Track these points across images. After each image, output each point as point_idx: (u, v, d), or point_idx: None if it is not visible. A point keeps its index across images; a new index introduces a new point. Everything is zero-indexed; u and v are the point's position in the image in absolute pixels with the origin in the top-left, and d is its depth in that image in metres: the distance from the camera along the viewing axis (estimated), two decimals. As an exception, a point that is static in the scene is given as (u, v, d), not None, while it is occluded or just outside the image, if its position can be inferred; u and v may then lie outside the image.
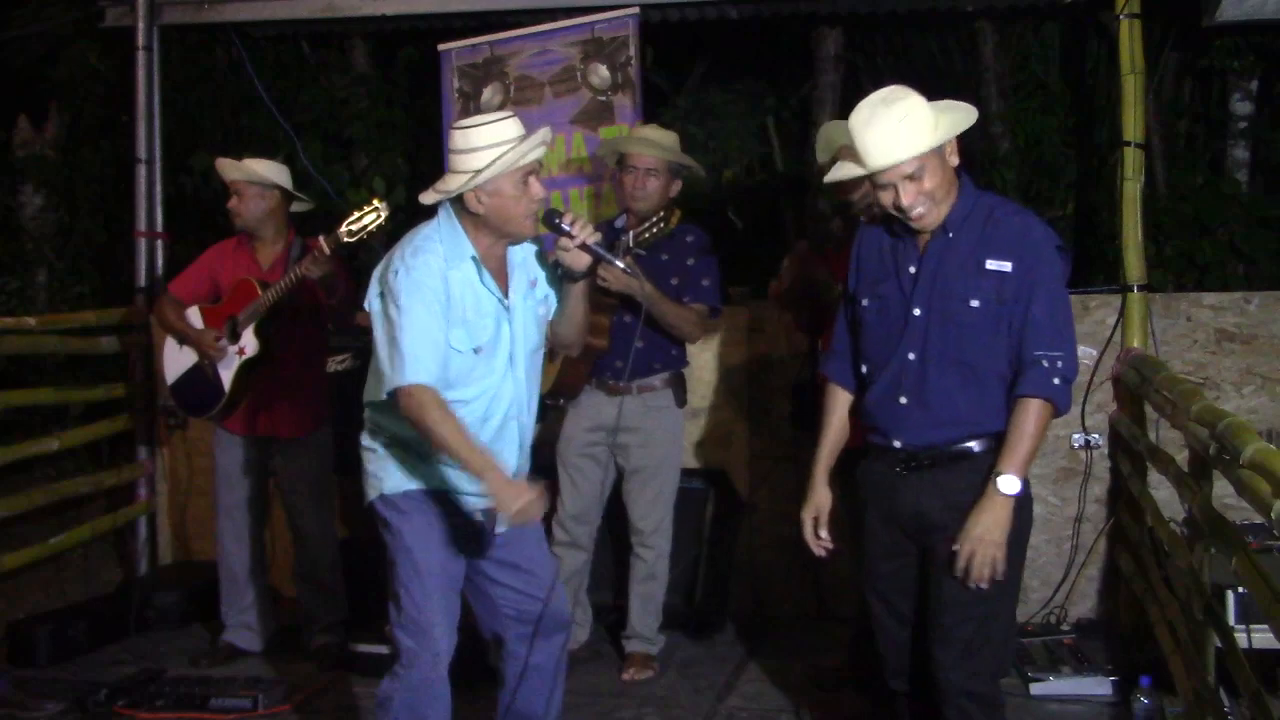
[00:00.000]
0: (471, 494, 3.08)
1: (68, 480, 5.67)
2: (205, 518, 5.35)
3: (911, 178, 2.88)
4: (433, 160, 5.59)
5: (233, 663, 4.68)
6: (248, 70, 6.44)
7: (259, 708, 4.17)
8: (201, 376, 4.60)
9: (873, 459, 3.07)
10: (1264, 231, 6.12)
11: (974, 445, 2.93)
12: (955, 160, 2.97)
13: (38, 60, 7.21)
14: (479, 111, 5.37)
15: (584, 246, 3.02)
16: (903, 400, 2.95)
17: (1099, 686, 4.19)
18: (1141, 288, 4.90)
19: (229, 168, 4.60)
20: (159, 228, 5.93)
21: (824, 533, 3.11)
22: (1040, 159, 6.48)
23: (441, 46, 5.48)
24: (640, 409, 4.38)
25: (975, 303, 2.89)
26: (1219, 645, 3.19)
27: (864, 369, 3.09)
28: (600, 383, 4.40)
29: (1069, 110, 6.52)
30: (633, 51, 5.18)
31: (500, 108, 5.32)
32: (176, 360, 4.69)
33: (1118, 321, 4.93)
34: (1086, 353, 5.01)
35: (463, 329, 2.99)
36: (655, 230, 4.22)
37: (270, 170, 4.63)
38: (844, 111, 4.85)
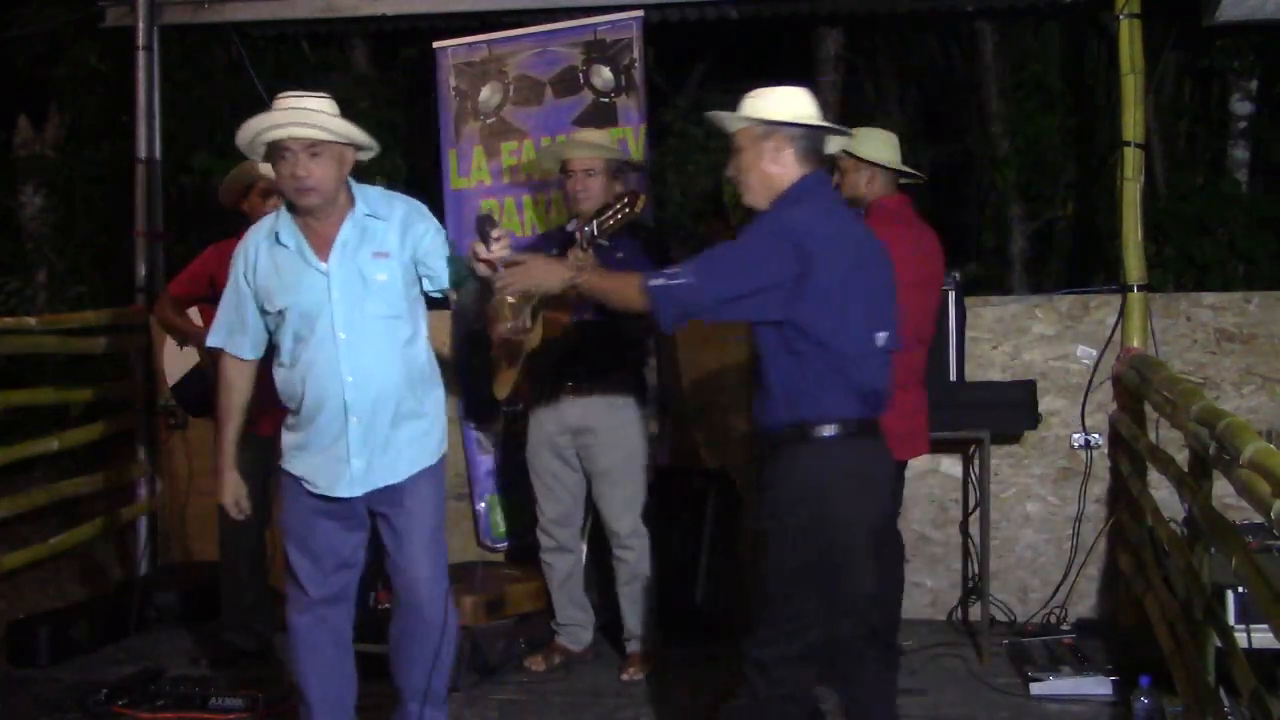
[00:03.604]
0: (306, 481, 3.37)
1: (68, 480, 5.67)
2: (205, 518, 5.34)
3: (740, 149, 3.14)
4: (433, 160, 5.59)
5: (233, 663, 4.68)
6: (248, 70, 6.44)
7: (259, 708, 4.17)
8: (204, 376, 4.59)
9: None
10: (1264, 231, 6.13)
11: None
12: (779, 166, 3.09)
13: (38, 60, 7.21)
14: (478, 111, 5.37)
15: (489, 264, 3.11)
16: None
17: (1099, 686, 4.19)
18: (1141, 288, 4.91)
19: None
20: (159, 228, 5.93)
21: None
22: (1040, 159, 6.49)
23: (437, 44, 5.47)
24: (603, 408, 4.37)
25: None
26: (1219, 645, 3.19)
27: None
28: (561, 385, 4.39)
29: (1069, 110, 6.53)
30: (636, 54, 5.18)
31: (499, 108, 5.33)
32: (178, 360, 4.69)
33: (1118, 321, 4.94)
34: (1086, 353, 5.03)
35: (270, 293, 3.31)
36: (620, 216, 4.15)
37: None
38: (844, 111, 4.93)
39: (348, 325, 3.28)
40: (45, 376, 6.56)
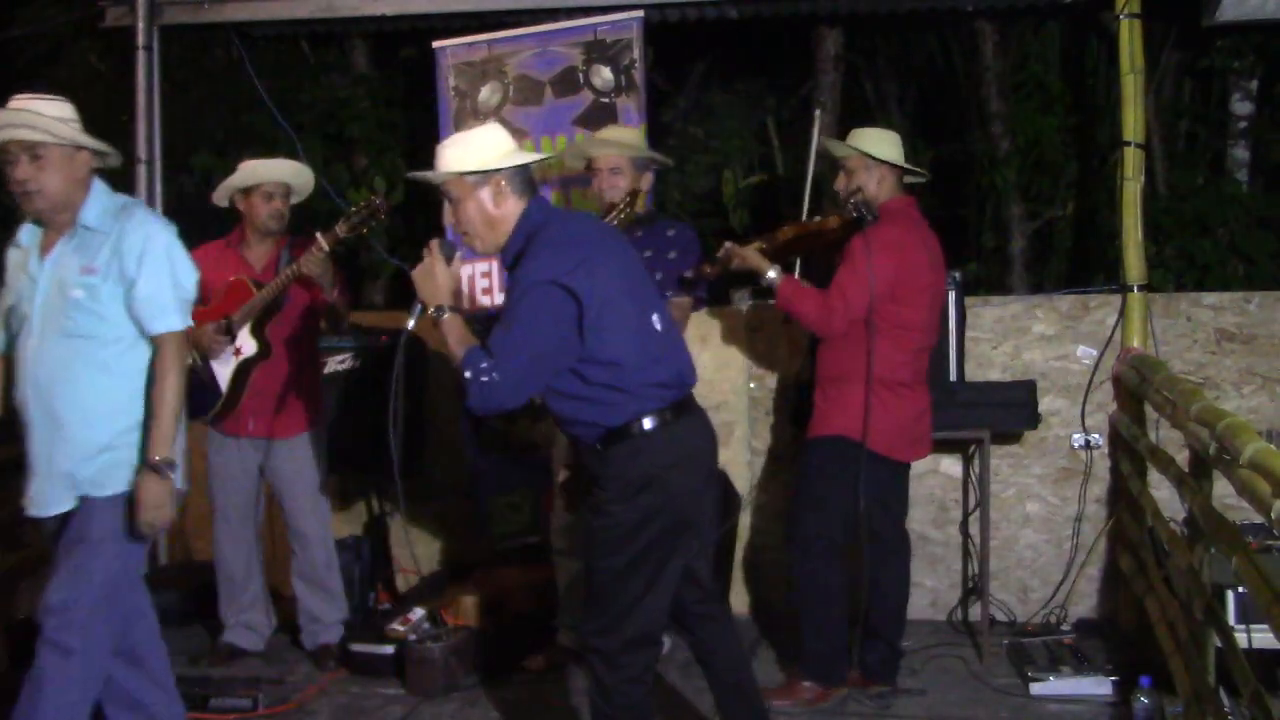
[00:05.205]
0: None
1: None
2: (205, 517, 5.33)
3: (457, 200, 3.13)
4: (433, 160, 5.58)
5: (233, 663, 4.68)
6: (248, 70, 6.44)
7: (259, 708, 4.18)
8: (196, 379, 4.56)
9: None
10: (1264, 231, 6.13)
11: None
12: (502, 209, 3.11)
13: (38, 60, 7.21)
14: (476, 111, 5.37)
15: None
16: None
17: (1099, 686, 4.19)
18: (1141, 288, 4.91)
19: (281, 171, 4.62)
20: (159, 228, 5.92)
21: None
22: (1040, 159, 6.49)
23: (436, 44, 5.47)
24: None
25: None
26: (1219, 645, 3.19)
27: None
28: None
29: (1069, 110, 6.53)
30: (636, 54, 5.18)
31: (499, 107, 5.33)
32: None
33: (1118, 321, 4.94)
34: (1086, 353, 5.03)
35: (6, 288, 3.35)
36: (621, 218, 4.18)
37: (303, 171, 4.71)
38: (843, 111, 4.94)
39: (41, 336, 3.22)
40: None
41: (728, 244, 4.17)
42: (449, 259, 3.14)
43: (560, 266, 2.98)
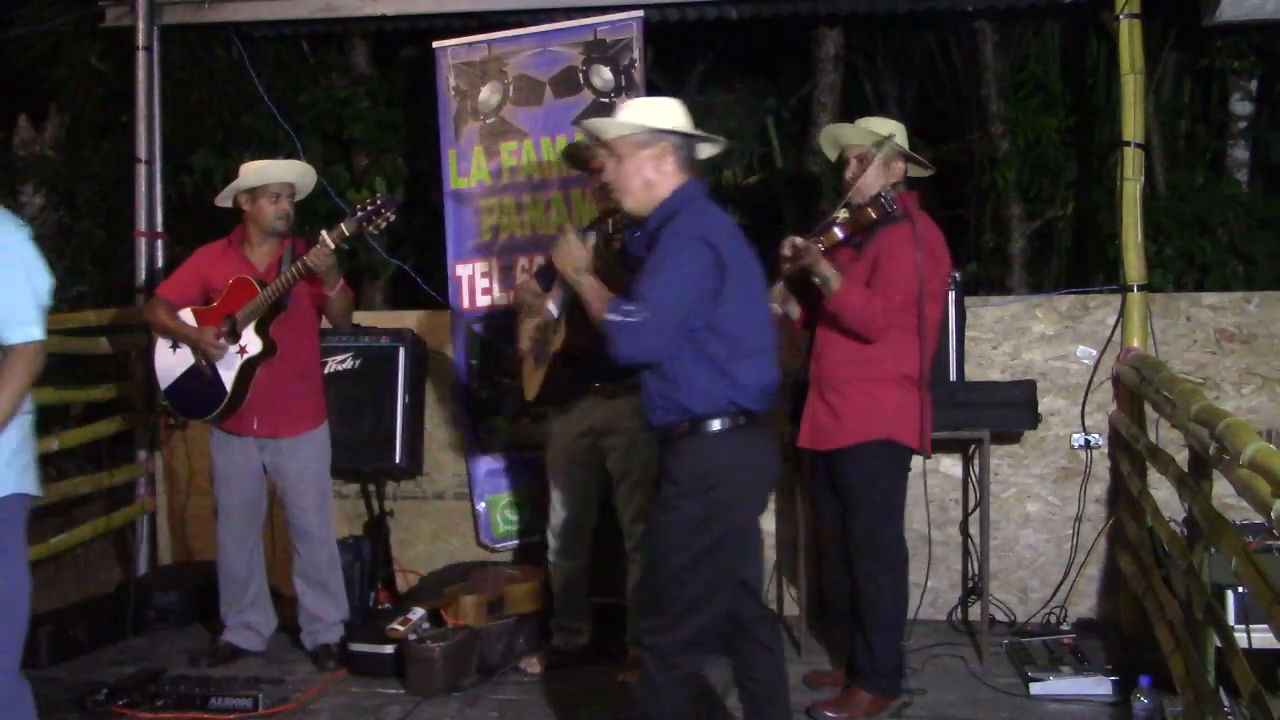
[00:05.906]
0: None
1: (68, 480, 5.66)
2: (205, 518, 5.35)
3: (620, 157, 3.23)
4: (433, 160, 5.59)
5: (233, 663, 4.68)
6: (248, 70, 6.44)
7: (259, 708, 4.17)
8: (200, 378, 4.58)
9: None
10: (1264, 231, 6.13)
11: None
12: (660, 174, 3.21)
13: (38, 60, 7.21)
14: (477, 111, 5.37)
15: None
16: None
17: (1099, 686, 4.19)
18: (1141, 288, 4.91)
19: (288, 171, 4.62)
20: (159, 228, 5.93)
21: None
22: (1040, 159, 6.49)
23: (436, 44, 5.48)
24: (628, 410, 4.34)
25: None
26: (1219, 645, 3.19)
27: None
28: (588, 386, 4.38)
29: (1069, 110, 6.53)
30: (636, 54, 5.18)
31: (499, 107, 5.33)
32: (170, 364, 4.65)
33: (1118, 321, 4.94)
34: (1086, 353, 5.03)
35: None
36: (612, 222, 4.16)
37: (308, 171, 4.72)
38: (844, 111, 4.95)
39: None
40: (45, 376, 6.52)
41: (799, 241, 4.02)
42: (582, 238, 3.36)
43: (709, 228, 3.11)
